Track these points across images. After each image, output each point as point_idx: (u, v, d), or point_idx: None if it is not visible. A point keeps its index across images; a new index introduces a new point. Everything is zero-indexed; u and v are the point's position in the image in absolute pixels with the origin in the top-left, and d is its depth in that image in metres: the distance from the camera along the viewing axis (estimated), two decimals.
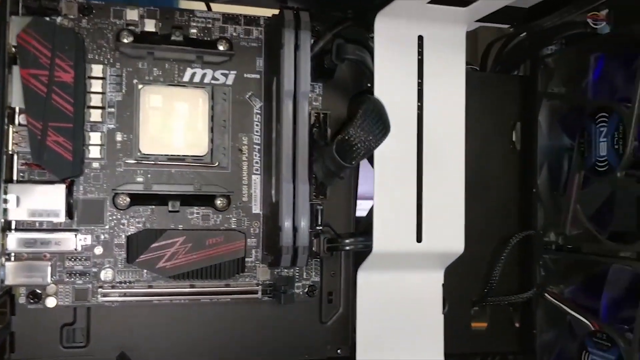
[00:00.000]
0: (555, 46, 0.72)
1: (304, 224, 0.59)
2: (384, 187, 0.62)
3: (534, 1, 0.68)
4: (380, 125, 0.57)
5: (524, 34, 0.71)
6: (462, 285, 0.73)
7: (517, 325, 0.76)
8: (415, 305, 0.67)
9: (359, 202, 0.70)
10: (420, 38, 0.64)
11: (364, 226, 0.68)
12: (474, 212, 0.67)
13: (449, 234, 0.65)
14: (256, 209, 0.65)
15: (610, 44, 0.65)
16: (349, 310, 0.69)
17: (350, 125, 0.56)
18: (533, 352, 0.73)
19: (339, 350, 0.69)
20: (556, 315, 0.71)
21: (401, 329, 0.67)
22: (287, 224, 0.59)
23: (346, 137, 0.56)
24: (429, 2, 0.58)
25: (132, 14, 0.62)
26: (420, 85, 0.64)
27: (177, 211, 0.62)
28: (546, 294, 0.70)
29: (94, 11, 0.61)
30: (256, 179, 0.66)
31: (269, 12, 0.67)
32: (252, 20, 0.66)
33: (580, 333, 0.67)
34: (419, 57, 0.64)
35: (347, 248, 0.64)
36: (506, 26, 0.74)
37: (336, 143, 0.57)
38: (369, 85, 0.67)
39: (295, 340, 0.68)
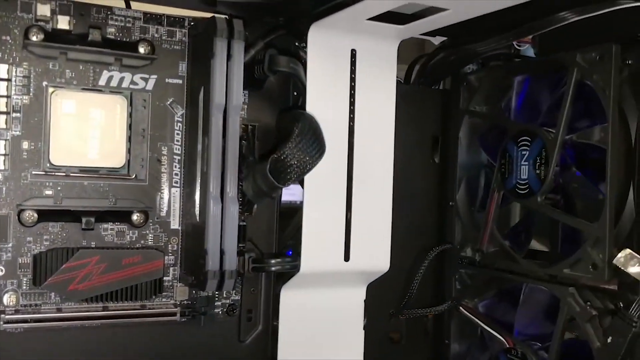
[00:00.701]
0: (475, 65, 0.73)
1: (231, 247, 0.56)
2: (313, 206, 0.61)
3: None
4: (316, 145, 0.55)
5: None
6: (381, 297, 0.73)
7: (430, 335, 0.77)
8: (337, 320, 0.67)
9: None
10: (353, 52, 0.62)
11: (289, 242, 0.66)
12: (394, 225, 0.66)
13: (375, 252, 0.64)
14: (175, 224, 0.62)
15: (534, 67, 0.66)
16: (269, 327, 0.67)
17: (286, 144, 0.54)
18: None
19: None
20: (469, 328, 0.73)
21: (322, 344, 0.66)
22: (213, 247, 0.56)
23: (282, 157, 0.54)
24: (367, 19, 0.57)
25: (43, 9, 0.56)
26: (352, 99, 0.62)
27: (92, 229, 0.57)
28: (461, 307, 0.72)
29: None
30: (175, 192, 0.62)
31: (194, 13, 0.62)
32: (175, 22, 0.61)
33: (493, 347, 0.69)
34: (352, 70, 0.62)
35: (274, 269, 0.62)
36: (432, 38, 0.74)
37: (270, 163, 0.54)
38: (295, 93, 0.65)
39: None
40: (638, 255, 0.53)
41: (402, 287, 0.74)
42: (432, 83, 0.75)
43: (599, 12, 0.52)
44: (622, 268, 0.53)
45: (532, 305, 0.66)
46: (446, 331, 0.75)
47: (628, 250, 0.54)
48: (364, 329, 0.68)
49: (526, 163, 0.64)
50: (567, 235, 0.64)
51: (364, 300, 0.68)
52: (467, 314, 0.71)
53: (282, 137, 0.58)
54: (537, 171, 0.62)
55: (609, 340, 0.54)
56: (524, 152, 0.64)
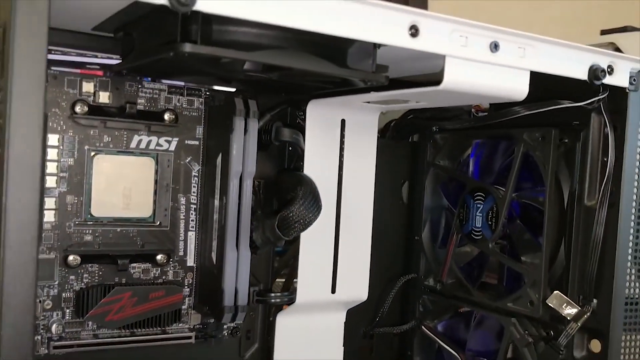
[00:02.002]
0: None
1: (244, 286, 0.68)
2: (307, 248, 0.73)
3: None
4: (316, 205, 0.67)
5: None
6: (357, 317, 0.86)
7: (396, 350, 0.91)
8: (322, 340, 0.80)
9: None
10: (343, 121, 0.75)
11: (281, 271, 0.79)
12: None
13: (357, 285, 0.78)
14: (190, 262, 0.73)
15: (488, 134, 0.80)
16: (264, 344, 0.79)
17: (291, 205, 0.66)
18: None
19: None
20: (429, 345, 0.87)
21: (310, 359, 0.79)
22: (229, 287, 0.68)
23: (288, 216, 0.66)
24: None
25: (87, 86, 0.66)
26: (341, 159, 0.75)
27: (126, 270, 0.68)
28: (423, 327, 0.86)
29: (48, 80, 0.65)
30: (191, 235, 0.73)
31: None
32: (194, 92, 0.72)
33: None
34: (341, 135, 0.75)
35: (274, 301, 0.74)
36: None
37: (278, 220, 0.66)
38: (290, 148, 0.78)
39: None
40: (566, 297, 0.68)
41: (374, 309, 0.88)
42: (403, 137, 0.88)
43: (544, 109, 0.65)
44: (554, 307, 0.68)
45: (481, 327, 0.80)
46: (409, 346, 0.88)
47: (558, 293, 0.68)
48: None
49: (480, 214, 0.78)
50: (511, 273, 0.78)
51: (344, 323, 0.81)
52: (428, 332, 0.85)
53: (284, 195, 0.70)
54: (489, 222, 0.77)
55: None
56: (478, 205, 0.78)
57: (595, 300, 0.66)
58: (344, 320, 0.81)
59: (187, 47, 0.49)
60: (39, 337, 0.66)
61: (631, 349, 0.66)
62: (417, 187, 0.88)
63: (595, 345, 0.67)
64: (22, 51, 0.38)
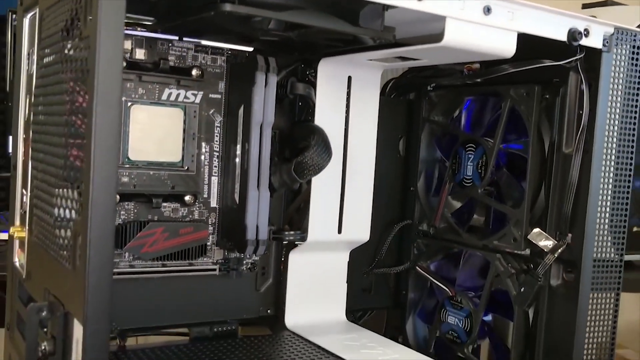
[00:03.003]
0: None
1: (264, 223, 0.78)
2: (318, 193, 0.83)
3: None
4: (327, 152, 0.76)
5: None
6: (357, 259, 0.96)
7: (392, 288, 1.01)
8: (328, 277, 0.89)
9: None
10: (350, 78, 0.84)
11: (293, 216, 0.88)
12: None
13: (360, 227, 0.87)
14: (214, 203, 0.82)
15: (478, 91, 0.89)
16: (277, 280, 0.89)
17: (307, 152, 0.75)
18: (403, 307, 0.99)
19: (268, 311, 0.89)
20: (422, 282, 0.97)
21: (317, 295, 0.89)
22: (251, 223, 0.77)
23: (304, 161, 0.75)
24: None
25: (126, 44, 0.74)
26: (347, 112, 0.84)
27: (159, 207, 0.77)
28: (417, 267, 0.96)
29: None
30: (214, 180, 0.82)
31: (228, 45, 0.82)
32: (217, 51, 0.81)
33: (440, 296, 0.94)
34: (348, 92, 0.84)
35: (288, 239, 0.84)
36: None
37: (295, 164, 0.76)
38: (300, 104, 0.86)
39: (238, 304, 0.86)
40: (545, 233, 0.78)
41: (373, 252, 0.97)
42: (401, 95, 0.97)
43: (529, 67, 0.75)
44: (534, 241, 0.78)
45: (469, 265, 0.90)
46: (404, 285, 0.99)
47: (538, 229, 0.78)
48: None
49: (471, 164, 0.87)
50: (496, 216, 0.88)
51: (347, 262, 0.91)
52: (422, 272, 0.95)
53: (300, 143, 0.79)
54: (479, 170, 0.86)
55: (522, 290, 0.79)
56: (469, 155, 0.88)
57: (570, 235, 0.76)
58: (348, 260, 0.91)
59: (227, 7, 0.57)
60: None
61: (600, 278, 0.76)
62: (413, 142, 0.97)
63: (569, 275, 0.77)
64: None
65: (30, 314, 0.53)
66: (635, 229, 1.62)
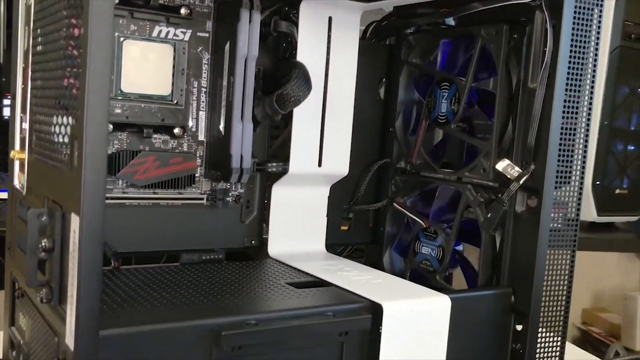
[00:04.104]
0: (413, 29, 1.00)
1: (248, 152, 0.83)
2: (299, 126, 0.88)
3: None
4: (307, 85, 0.81)
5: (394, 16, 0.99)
6: (338, 197, 1.01)
7: (370, 225, 1.07)
8: (308, 210, 0.95)
9: None
10: (330, 18, 0.88)
11: (277, 150, 0.93)
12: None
13: (339, 161, 0.93)
14: (201, 137, 0.87)
15: (454, 34, 0.94)
16: (261, 213, 0.94)
17: (288, 84, 0.80)
18: (380, 243, 1.05)
19: (252, 242, 0.95)
20: (399, 218, 1.03)
21: (298, 228, 0.95)
22: (236, 152, 0.82)
23: (284, 93, 0.80)
24: None
25: None
26: (328, 51, 0.89)
27: (150, 137, 0.82)
28: (394, 204, 1.02)
29: None
30: (202, 114, 0.87)
31: None
32: None
33: (415, 229, 1.00)
34: (329, 32, 0.89)
35: (271, 170, 0.89)
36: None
37: (276, 96, 0.81)
38: (283, 45, 0.91)
39: (224, 234, 0.92)
40: (511, 163, 0.83)
41: (352, 190, 1.03)
42: (381, 40, 1.02)
43: (498, 4, 0.80)
44: (500, 170, 0.83)
45: (442, 199, 0.96)
46: (382, 221, 1.04)
47: (505, 160, 0.84)
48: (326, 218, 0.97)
49: (445, 101, 0.93)
50: (468, 151, 0.93)
51: (328, 197, 0.96)
52: (399, 207, 1.01)
53: (281, 78, 0.84)
54: (452, 107, 0.92)
55: (488, 215, 0.85)
56: (444, 93, 0.93)
57: (533, 164, 0.82)
58: (328, 194, 0.96)
59: None
60: None
61: (560, 203, 0.82)
62: (393, 84, 1.02)
63: (532, 201, 0.83)
64: None
65: (31, 217, 0.59)
66: (617, 191, 1.69)
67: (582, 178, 0.83)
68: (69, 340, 0.55)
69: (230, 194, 0.91)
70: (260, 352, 0.65)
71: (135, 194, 0.84)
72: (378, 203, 1.03)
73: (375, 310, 0.71)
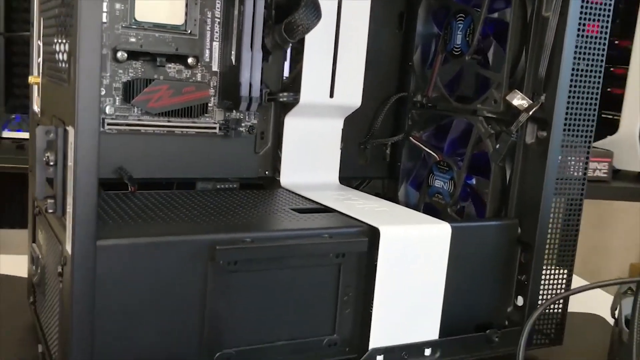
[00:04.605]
0: None
1: (257, 81, 0.84)
2: (310, 57, 0.88)
3: None
4: (316, 13, 0.82)
5: None
6: (354, 130, 1.02)
7: (387, 159, 1.07)
8: (322, 142, 0.96)
9: None
10: None
11: (290, 83, 0.94)
12: (369, 76, 0.95)
13: (352, 92, 0.93)
14: (215, 67, 0.89)
15: None
16: (275, 145, 0.96)
17: (296, 12, 0.81)
18: (396, 178, 1.06)
19: (266, 172, 0.97)
20: (415, 152, 1.03)
21: (311, 159, 0.96)
22: (245, 81, 0.84)
23: (292, 21, 0.81)
24: None
25: None
26: None
27: (163, 66, 0.85)
28: (410, 138, 1.02)
29: None
30: (215, 45, 0.89)
31: None
32: None
33: (429, 162, 1.00)
34: None
35: (282, 100, 0.90)
36: None
37: (285, 24, 0.81)
38: None
39: (237, 164, 0.94)
40: (521, 94, 0.82)
41: (370, 123, 1.04)
42: None
43: None
44: (510, 101, 0.82)
45: (456, 132, 0.96)
46: (399, 156, 1.05)
47: (516, 90, 0.83)
48: (340, 149, 0.98)
49: (460, 33, 0.91)
50: (483, 85, 0.92)
51: (342, 130, 0.97)
52: (415, 142, 1.02)
53: (292, 8, 0.84)
54: (467, 39, 0.90)
55: (497, 147, 0.84)
56: (459, 25, 0.92)
57: (544, 95, 0.80)
58: (342, 127, 0.97)
59: None
60: None
61: (570, 136, 0.81)
62: (412, 18, 1.01)
63: (542, 133, 0.82)
64: None
65: (39, 134, 0.62)
66: None
67: (595, 110, 0.82)
68: (68, 247, 0.58)
69: (243, 124, 0.93)
70: (256, 269, 0.68)
71: (150, 122, 0.86)
72: (394, 137, 1.04)
73: (372, 234, 0.72)
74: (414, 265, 0.75)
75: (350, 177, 1.04)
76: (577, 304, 0.94)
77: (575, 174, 0.83)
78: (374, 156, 1.06)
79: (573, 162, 0.82)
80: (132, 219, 0.69)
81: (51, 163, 0.61)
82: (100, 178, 0.84)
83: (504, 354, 0.83)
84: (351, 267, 0.72)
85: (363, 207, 0.83)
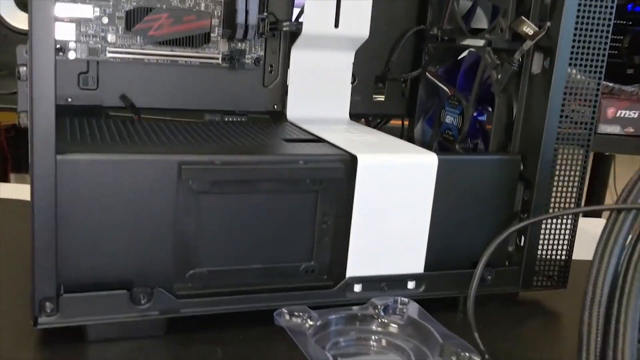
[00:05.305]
0: None
1: (254, 9, 0.83)
2: None
3: None
4: None
5: None
6: (369, 65, 1.00)
7: (406, 96, 1.04)
8: (331, 77, 0.94)
9: None
10: None
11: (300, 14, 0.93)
12: (383, 9, 0.92)
13: (358, 22, 0.90)
14: None
15: None
16: (284, 79, 0.95)
17: None
18: (413, 115, 1.03)
19: (275, 106, 0.96)
20: (432, 88, 1.00)
21: (321, 94, 0.95)
22: (241, 7, 0.83)
23: None
24: None
25: None
26: None
27: None
28: (427, 73, 0.98)
29: None
30: None
31: None
32: None
33: (443, 97, 0.96)
34: None
35: (284, 29, 0.89)
36: None
37: None
38: None
39: (246, 98, 0.95)
40: (528, 21, 0.77)
41: (386, 59, 1.01)
42: None
43: None
44: (515, 29, 0.78)
45: (467, 65, 0.91)
46: (416, 92, 1.02)
47: (522, 18, 0.78)
48: (352, 84, 0.96)
49: None
50: (494, 14, 0.87)
51: (353, 64, 0.95)
52: (431, 77, 0.98)
53: None
54: None
55: (499, 76, 0.80)
56: None
57: (549, 22, 0.75)
58: (352, 61, 0.95)
59: None
60: (99, 46, 0.85)
61: (578, 61, 0.76)
62: None
63: (547, 62, 0.77)
64: None
65: (18, 52, 0.64)
66: None
67: (606, 44, 0.76)
68: (31, 160, 0.61)
69: (248, 56, 0.92)
70: (226, 192, 0.68)
71: (152, 51, 0.88)
72: (412, 73, 1.01)
73: (351, 162, 0.71)
74: (395, 195, 0.73)
75: (365, 113, 1.02)
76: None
77: (583, 111, 0.77)
78: (391, 93, 1.03)
79: (580, 98, 0.77)
80: (111, 140, 0.71)
81: (23, 78, 0.63)
82: (106, 106, 0.88)
83: (501, 294, 0.81)
84: (330, 195, 0.71)
85: (357, 138, 0.81)
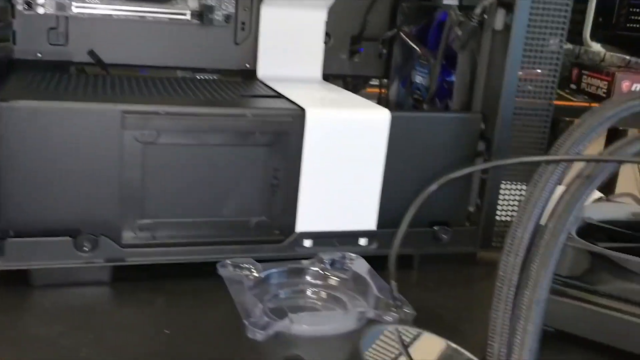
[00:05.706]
0: None
1: None
2: None
3: None
4: None
5: None
6: (345, 26, 0.99)
7: (382, 57, 1.03)
8: (302, 35, 0.94)
9: None
10: None
11: None
12: None
13: None
14: None
15: None
16: (257, 35, 0.95)
17: None
18: (388, 76, 1.02)
19: (247, 65, 0.96)
20: (407, 49, 0.98)
21: (292, 52, 0.94)
22: None
23: None
24: None
25: None
26: None
27: None
28: (401, 33, 0.97)
29: None
30: None
31: None
32: None
33: (416, 58, 0.95)
34: None
35: None
36: None
37: None
38: None
39: (217, 55, 0.95)
40: None
41: (362, 16, 0.99)
42: None
43: None
44: None
45: (437, 25, 0.90)
46: (390, 50, 1.00)
47: None
48: (325, 44, 0.95)
49: None
50: None
51: (326, 22, 0.94)
52: (405, 37, 0.97)
53: None
54: None
55: (459, 33, 0.79)
56: None
57: None
58: (325, 19, 0.94)
59: None
60: (67, 1, 0.86)
61: (536, 23, 0.74)
62: None
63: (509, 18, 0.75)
64: None
65: None
66: None
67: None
68: None
69: (218, 12, 0.92)
70: (176, 144, 0.68)
71: (120, 6, 0.88)
72: (387, 33, 0.99)
73: (300, 116, 0.71)
74: (345, 150, 0.72)
75: (340, 74, 1.02)
76: None
77: (544, 72, 0.76)
78: (367, 53, 1.02)
79: (541, 59, 0.75)
80: (65, 90, 0.72)
81: None
82: (77, 62, 0.89)
83: (457, 253, 0.80)
84: (280, 149, 0.71)
85: (317, 95, 0.81)
